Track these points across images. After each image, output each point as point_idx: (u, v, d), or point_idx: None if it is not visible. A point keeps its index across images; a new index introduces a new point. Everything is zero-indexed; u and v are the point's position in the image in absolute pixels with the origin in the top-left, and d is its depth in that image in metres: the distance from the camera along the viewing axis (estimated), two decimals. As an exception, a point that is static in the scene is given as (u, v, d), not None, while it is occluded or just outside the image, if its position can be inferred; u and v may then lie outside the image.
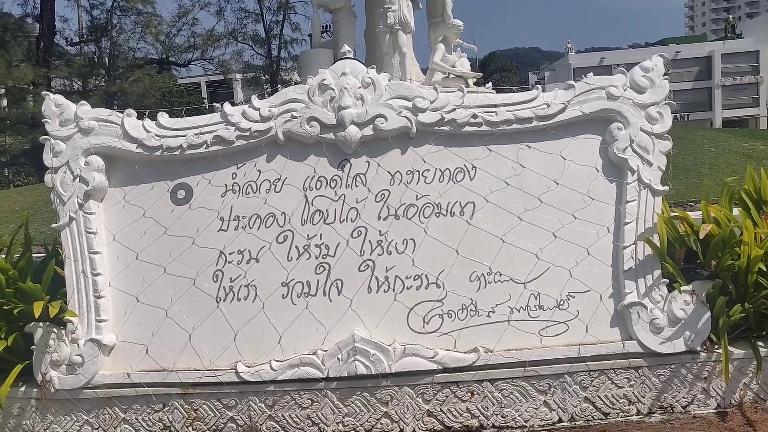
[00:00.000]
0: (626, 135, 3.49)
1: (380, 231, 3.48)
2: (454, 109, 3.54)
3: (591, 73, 3.63)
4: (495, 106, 3.56)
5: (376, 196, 3.52)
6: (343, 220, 3.50)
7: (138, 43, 23.16)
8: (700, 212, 3.56)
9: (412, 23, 9.15)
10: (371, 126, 3.52)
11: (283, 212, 3.51)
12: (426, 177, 3.54)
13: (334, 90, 3.56)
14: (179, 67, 24.97)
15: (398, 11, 8.46)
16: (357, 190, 3.53)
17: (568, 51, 50.17)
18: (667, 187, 3.47)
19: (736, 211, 3.65)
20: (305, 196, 3.53)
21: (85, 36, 23.66)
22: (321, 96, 3.57)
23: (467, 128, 3.53)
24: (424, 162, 3.55)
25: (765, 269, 3.19)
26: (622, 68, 3.66)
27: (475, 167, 3.54)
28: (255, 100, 3.61)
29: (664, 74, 3.63)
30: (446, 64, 8.73)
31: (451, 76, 8.68)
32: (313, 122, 3.53)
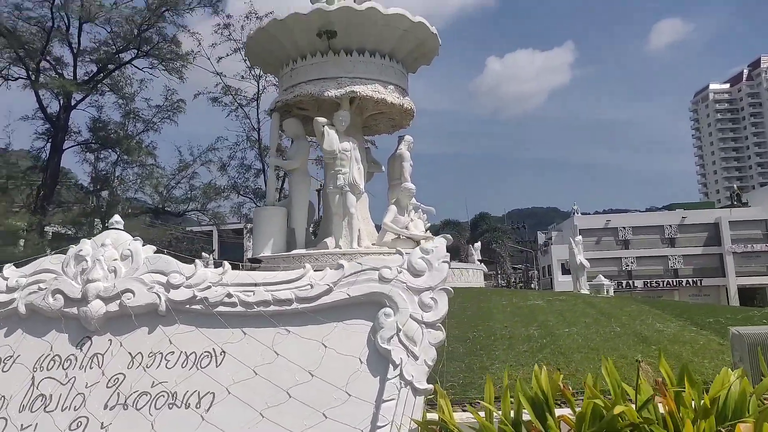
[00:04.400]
0: (393, 323, 3.16)
1: (102, 423, 3.06)
2: (209, 287, 3.29)
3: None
4: (254, 285, 3.30)
5: (109, 380, 3.15)
6: (66, 408, 3.11)
7: (136, 194, 24.15)
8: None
9: (362, 186, 9.21)
10: (118, 301, 3.26)
11: (3, 395, 3.15)
12: (169, 360, 3.19)
13: (88, 261, 3.36)
14: (175, 216, 25.75)
15: (348, 174, 8.65)
16: (90, 372, 3.18)
17: (574, 212, 51.12)
18: (431, 386, 3.04)
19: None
20: (33, 377, 3.18)
21: (90, 187, 24.82)
22: (75, 267, 3.37)
23: (220, 308, 3.25)
24: (170, 343, 3.22)
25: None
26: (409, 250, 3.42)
27: (224, 352, 3.19)
28: (6, 269, 3.41)
29: (443, 259, 3.38)
30: (396, 226, 8.73)
31: (402, 237, 8.64)
32: (57, 295, 3.30)
